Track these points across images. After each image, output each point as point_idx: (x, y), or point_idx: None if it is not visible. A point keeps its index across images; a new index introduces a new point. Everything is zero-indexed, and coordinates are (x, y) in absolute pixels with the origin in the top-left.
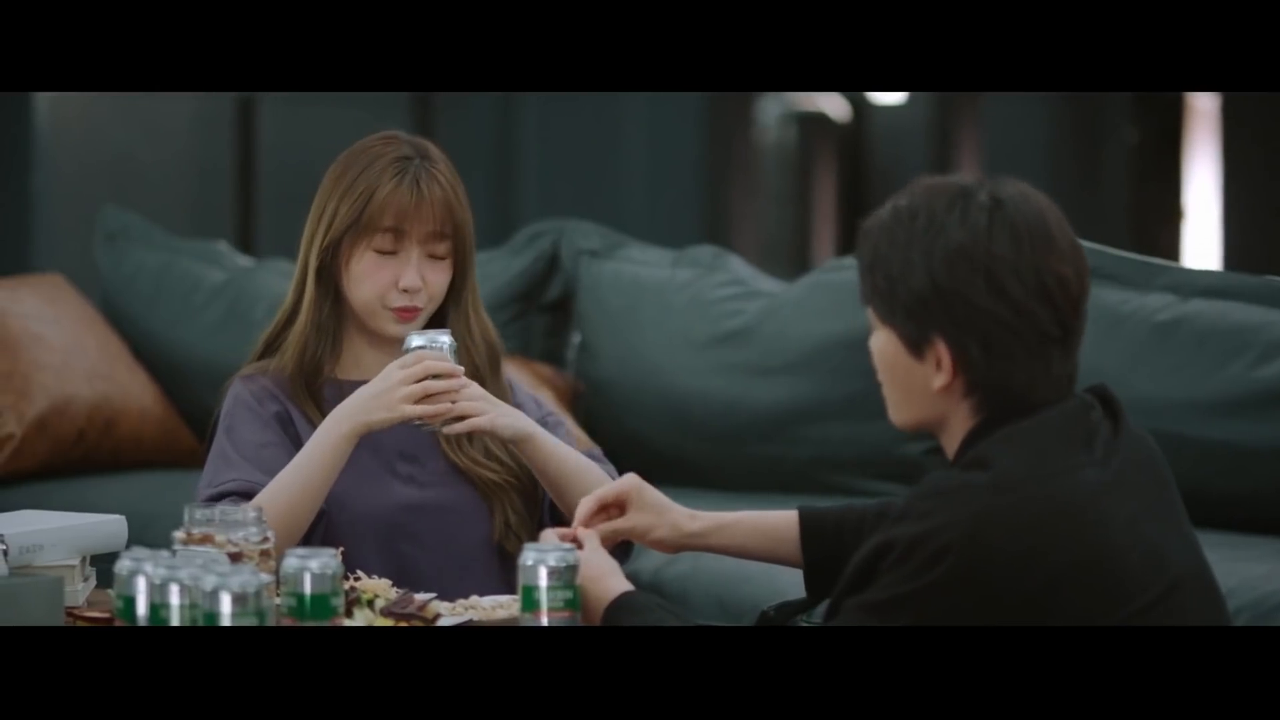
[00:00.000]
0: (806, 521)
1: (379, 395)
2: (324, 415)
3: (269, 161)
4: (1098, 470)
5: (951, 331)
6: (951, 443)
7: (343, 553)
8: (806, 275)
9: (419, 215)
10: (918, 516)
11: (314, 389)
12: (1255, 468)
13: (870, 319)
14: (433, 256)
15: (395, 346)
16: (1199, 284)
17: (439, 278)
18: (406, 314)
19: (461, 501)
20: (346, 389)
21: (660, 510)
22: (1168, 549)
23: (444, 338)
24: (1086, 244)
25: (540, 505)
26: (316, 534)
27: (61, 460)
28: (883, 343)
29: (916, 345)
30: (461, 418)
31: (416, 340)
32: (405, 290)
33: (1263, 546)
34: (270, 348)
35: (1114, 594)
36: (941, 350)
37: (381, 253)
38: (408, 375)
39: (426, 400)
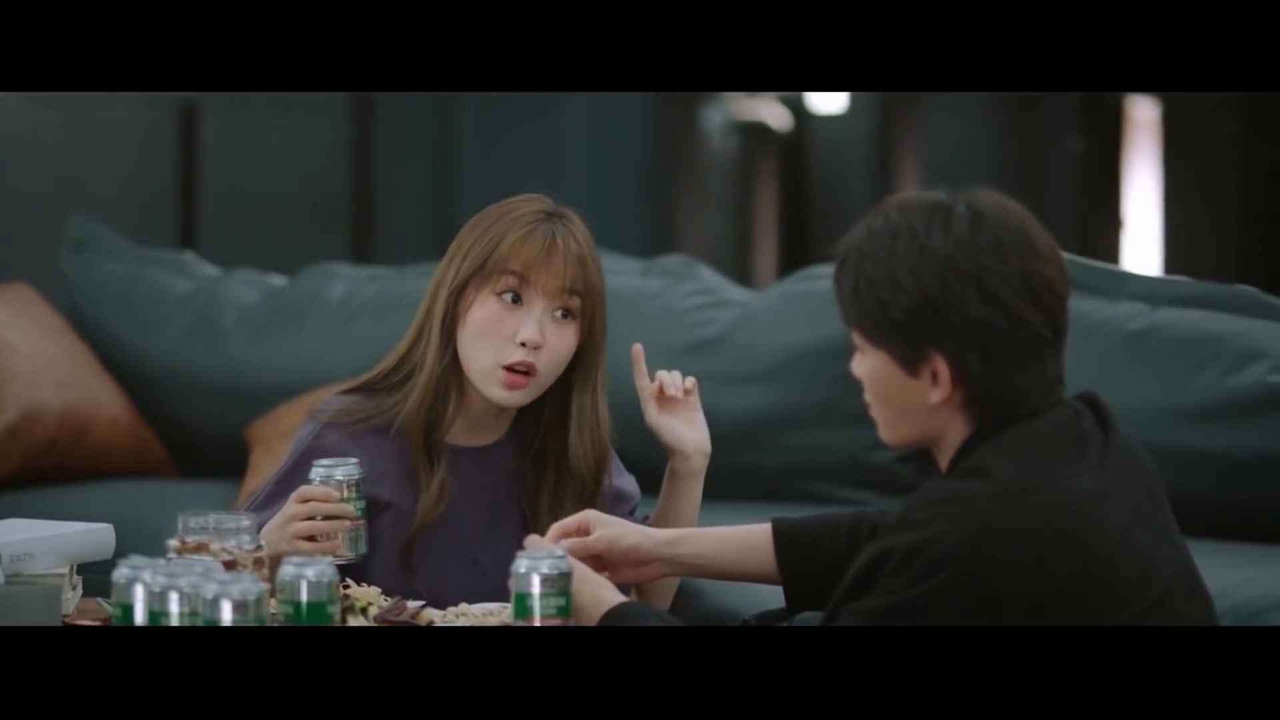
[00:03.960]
0: (781, 534)
1: (281, 527)
2: (434, 472)
3: (211, 169)
4: (1093, 477)
5: (949, 346)
6: (945, 453)
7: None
8: (777, 284)
9: (548, 266)
10: (917, 525)
11: (429, 443)
12: (1228, 475)
13: (857, 342)
14: (561, 314)
15: (505, 412)
16: (1169, 293)
17: (563, 342)
18: (518, 380)
19: None
20: (457, 455)
21: (625, 523)
22: (1160, 556)
23: (340, 471)
24: None
25: None
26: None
27: (34, 469)
28: (873, 364)
29: (911, 363)
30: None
31: (317, 472)
32: (523, 344)
33: (1238, 553)
34: (368, 387)
35: (1110, 602)
36: (939, 365)
37: (503, 302)
38: (296, 512)
39: (314, 537)
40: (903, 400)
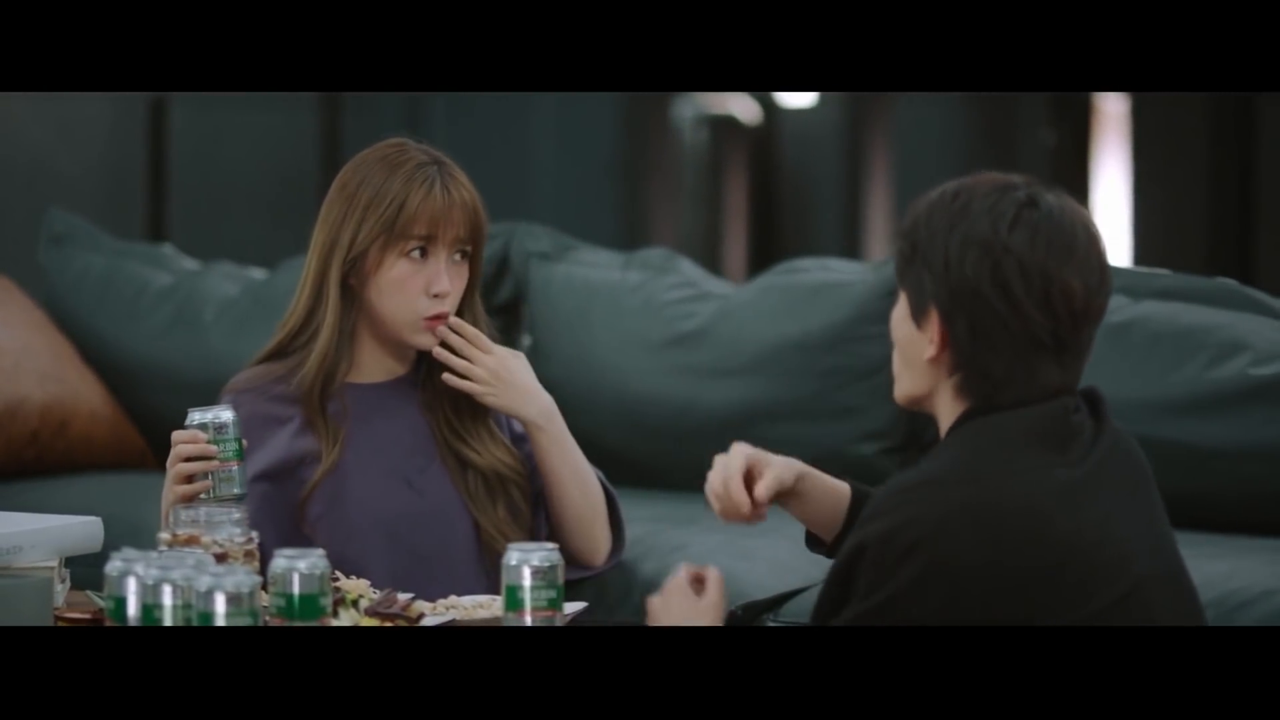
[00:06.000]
0: (856, 495)
1: (167, 476)
2: (330, 422)
3: (181, 164)
4: (1066, 470)
5: (947, 306)
6: (942, 429)
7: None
8: (759, 277)
9: (450, 220)
10: (885, 514)
11: (325, 397)
12: (1211, 468)
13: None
14: (460, 257)
15: (405, 348)
16: (1151, 286)
17: (462, 281)
18: (436, 322)
19: (455, 509)
20: (358, 393)
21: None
22: (1138, 548)
23: (209, 415)
24: None
25: (534, 503)
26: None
27: (15, 462)
28: (898, 308)
29: (918, 313)
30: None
31: (192, 418)
32: (437, 295)
33: (1221, 545)
34: (278, 353)
35: (1078, 589)
36: (935, 320)
37: (411, 259)
38: (170, 458)
39: (190, 480)
40: (906, 349)
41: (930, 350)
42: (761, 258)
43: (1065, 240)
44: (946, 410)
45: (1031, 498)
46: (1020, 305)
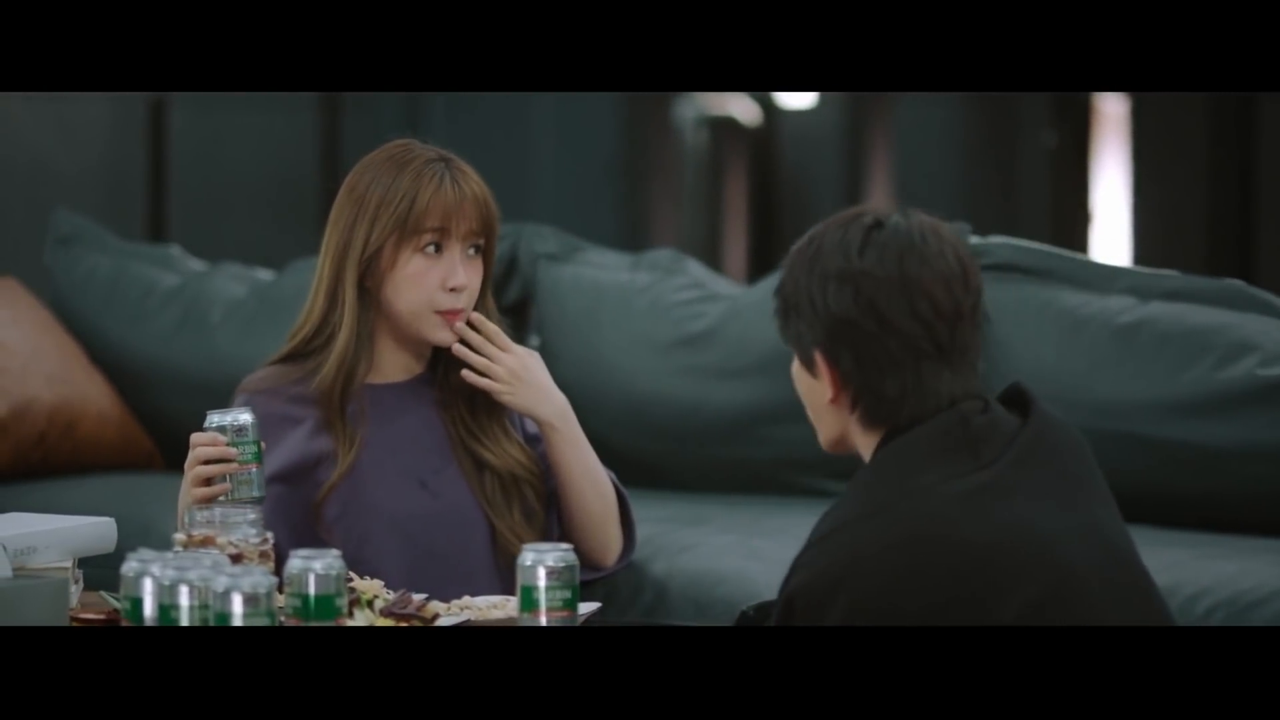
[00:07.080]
0: None
1: (186, 474)
2: (347, 424)
3: (181, 165)
4: (978, 473)
5: (827, 345)
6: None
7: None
8: (766, 278)
9: (462, 213)
10: (804, 566)
11: (345, 398)
12: (1219, 468)
13: None
14: (473, 251)
15: (422, 346)
16: (1159, 287)
17: (478, 275)
18: (453, 316)
19: (470, 510)
20: (374, 393)
21: None
22: (1064, 539)
23: (228, 418)
24: (1045, 247)
25: (547, 503)
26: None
27: (23, 463)
28: (794, 365)
29: (807, 362)
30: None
31: (210, 420)
32: (453, 289)
33: (1230, 545)
34: (292, 358)
35: (992, 591)
36: (822, 364)
37: (426, 254)
38: (189, 460)
39: (209, 482)
40: (811, 399)
41: (828, 393)
42: (762, 259)
43: (916, 249)
44: (864, 445)
45: (934, 515)
46: (890, 321)
